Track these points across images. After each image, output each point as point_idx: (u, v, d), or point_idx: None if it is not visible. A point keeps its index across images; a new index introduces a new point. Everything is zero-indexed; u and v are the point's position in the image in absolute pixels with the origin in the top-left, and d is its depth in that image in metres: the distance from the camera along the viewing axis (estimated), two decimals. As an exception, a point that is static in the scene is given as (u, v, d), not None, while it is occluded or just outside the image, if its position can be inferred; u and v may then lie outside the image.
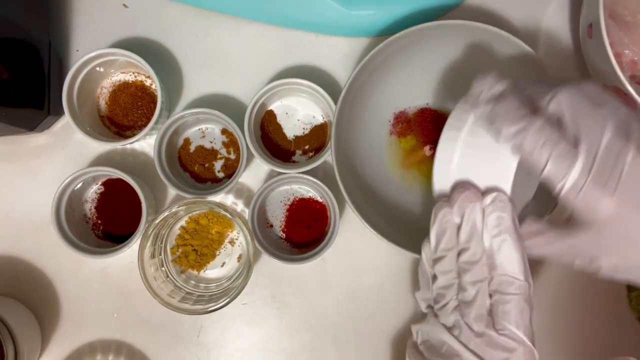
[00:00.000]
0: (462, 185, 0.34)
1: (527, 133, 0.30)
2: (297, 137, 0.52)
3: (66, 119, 0.49)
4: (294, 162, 0.52)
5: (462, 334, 0.32)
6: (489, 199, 0.33)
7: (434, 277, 0.34)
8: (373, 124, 0.51)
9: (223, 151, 0.52)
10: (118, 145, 0.51)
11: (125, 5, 0.54)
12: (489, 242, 0.32)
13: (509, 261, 0.32)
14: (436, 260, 0.34)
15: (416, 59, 0.50)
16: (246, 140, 0.48)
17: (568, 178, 0.29)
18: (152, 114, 0.49)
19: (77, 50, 0.54)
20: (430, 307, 0.35)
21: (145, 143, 0.53)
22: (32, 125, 0.49)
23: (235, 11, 0.53)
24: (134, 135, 0.49)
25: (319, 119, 0.53)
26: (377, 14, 0.52)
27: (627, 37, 0.47)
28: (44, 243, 0.52)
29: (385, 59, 0.47)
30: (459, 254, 0.33)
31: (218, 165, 0.52)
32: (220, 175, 0.52)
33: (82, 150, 0.53)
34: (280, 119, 0.53)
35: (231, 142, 0.52)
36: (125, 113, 0.52)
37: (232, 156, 0.52)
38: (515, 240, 0.32)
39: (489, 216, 0.33)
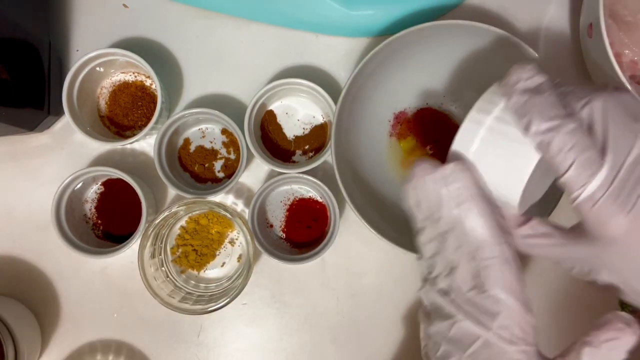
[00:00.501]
0: (420, 160, 0.34)
1: (557, 133, 0.29)
2: (297, 137, 0.52)
3: (66, 119, 0.49)
4: (294, 162, 0.52)
5: (456, 297, 0.32)
6: (447, 169, 0.32)
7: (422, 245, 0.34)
8: (373, 123, 0.51)
9: (223, 151, 0.52)
10: (118, 145, 0.51)
11: (125, 5, 0.54)
12: (456, 212, 0.32)
13: (477, 227, 0.31)
14: (418, 233, 0.34)
15: (416, 59, 0.50)
16: (246, 140, 0.48)
17: (587, 187, 0.29)
18: (152, 114, 0.49)
19: (77, 50, 0.54)
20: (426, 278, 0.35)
21: (145, 143, 0.53)
22: (32, 125, 0.49)
23: (235, 11, 0.53)
24: (134, 135, 0.49)
25: (319, 119, 0.53)
26: (377, 14, 0.52)
27: (627, 37, 0.47)
28: (44, 243, 0.52)
29: (385, 59, 0.47)
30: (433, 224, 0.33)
31: (218, 165, 0.52)
32: (220, 175, 0.52)
33: (82, 150, 0.53)
34: (280, 119, 0.53)
35: (231, 142, 0.52)
36: (125, 113, 0.52)
37: (232, 156, 0.52)
38: (479, 204, 0.32)
39: (450, 187, 0.32)
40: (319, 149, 0.52)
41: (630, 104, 0.31)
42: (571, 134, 0.29)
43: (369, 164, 0.51)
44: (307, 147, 0.52)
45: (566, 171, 0.29)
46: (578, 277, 0.33)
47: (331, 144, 0.46)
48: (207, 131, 0.52)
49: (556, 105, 0.30)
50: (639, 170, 0.29)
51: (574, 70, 0.53)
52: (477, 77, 0.51)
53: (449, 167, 0.32)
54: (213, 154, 0.52)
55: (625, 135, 0.29)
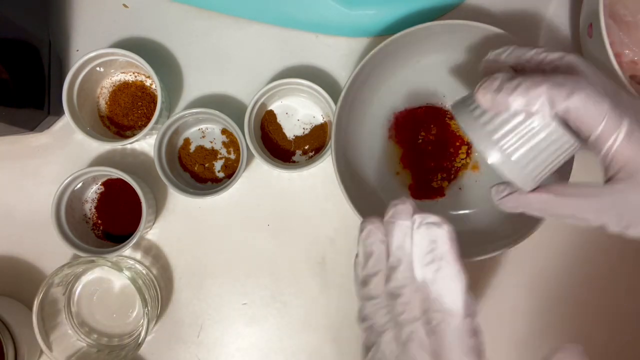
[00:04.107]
0: (398, 200, 0.31)
1: (579, 94, 0.30)
2: (297, 137, 0.52)
3: (66, 119, 0.49)
4: (294, 162, 0.52)
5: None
6: (417, 219, 0.30)
7: (361, 300, 0.32)
8: (373, 123, 0.51)
9: (223, 151, 0.52)
10: (118, 145, 0.51)
11: (125, 5, 0.54)
12: (421, 272, 0.29)
13: (447, 293, 0.29)
14: (361, 284, 0.31)
15: (416, 59, 0.50)
16: (246, 140, 0.48)
17: (622, 128, 0.30)
18: (152, 114, 0.49)
19: (77, 50, 0.54)
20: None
21: (145, 143, 0.53)
22: (32, 125, 0.49)
23: (235, 11, 0.53)
24: (134, 135, 0.49)
25: (319, 119, 0.53)
26: (377, 14, 0.52)
27: (627, 37, 0.47)
28: (44, 243, 0.52)
29: (385, 59, 0.47)
30: (387, 279, 0.30)
31: (218, 165, 0.52)
32: (220, 175, 0.52)
33: (82, 150, 0.53)
34: (280, 119, 0.53)
35: (231, 142, 0.52)
36: (125, 113, 0.52)
37: (232, 156, 0.52)
38: (453, 266, 0.29)
39: (420, 241, 0.30)
40: (319, 149, 0.52)
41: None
42: (590, 91, 0.29)
43: (369, 163, 0.51)
44: (307, 147, 0.52)
45: (599, 125, 0.30)
46: (614, 232, 0.33)
47: (331, 144, 0.46)
48: (207, 131, 0.52)
49: (542, 77, 0.31)
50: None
51: (574, 70, 0.53)
52: (477, 77, 0.51)
53: (419, 218, 0.30)
54: (213, 154, 0.52)
55: (610, 85, 0.31)
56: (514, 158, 0.33)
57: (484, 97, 0.32)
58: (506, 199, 0.35)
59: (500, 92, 0.31)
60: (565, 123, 0.32)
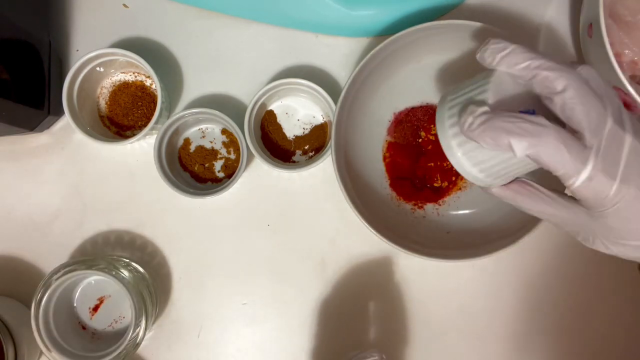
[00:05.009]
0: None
1: (542, 145, 0.30)
2: (297, 137, 0.52)
3: (66, 119, 0.49)
4: (294, 162, 0.52)
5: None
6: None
7: None
8: (373, 123, 0.51)
9: (223, 151, 0.52)
10: (118, 145, 0.51)
11: (125, 5, 0.54)
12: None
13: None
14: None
15: (416, 59, 0.50)
16: (246, 140, 0.48)
17: (581, 174, 0.31)
18: (152, 114, 0.49)
19: (77, 50, 0.54)
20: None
21: (145, 143, 0.53)
22: (32, 125, 0.49)
23: (235, 11, 0.53)
24: (134, 135, 0.49)
25: (319, 119, 0.53)
26: (377, 14, 0.52)
27: (627, 37, 0.47)
28: (44, 243, 0.52)
29: (385, 59, 0.47)
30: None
31: (218, 165, 0.52)
32: (221, 175, 0.52)
33: (82, 150, 0.53)
34: (280, 119, 0.53)
35: (231, 142, 0.52)
36: (125, 113, 0.52)
37: (232, 156, 0.52)
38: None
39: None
40: (319, 149, 0.52)
41: (593, 78, 0.33)
42: (555, 139, 0.30)
43: (369, 163, 0.51)
44: (307, 147, 0.52)
45: (560, 169, 0.31)
46: (584, 243, 0.35)
47: (331, 144, 0.46)
48: (207, 131, 0.52)
49: (517, 116, 0.31)
50: (615, 141, 0.31)
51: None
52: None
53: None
54: (213, 154, 0.52)
55: (598, 113, 0.31)
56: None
57: (462, 130, 0.33)
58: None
59: (471, 131, 0.32)
60: None
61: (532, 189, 0.36)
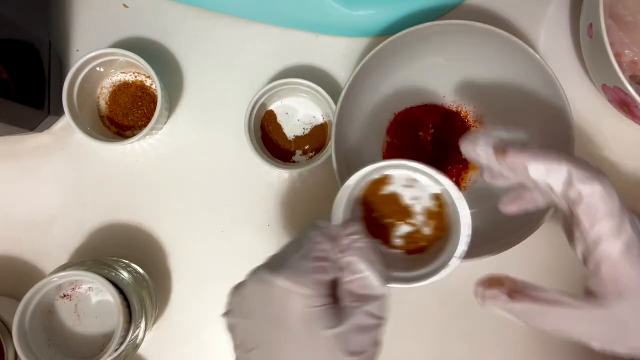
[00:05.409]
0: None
1: (596, 182, 0.30)
2: (297, 137, 0.52)
3: (66, 119, 0.49)
4: (294, 162, 0.52)
5: None
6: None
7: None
8: (373, 123, 0.51)
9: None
10: (118, 145, 0.51)
11: (125, 5, 0.54)
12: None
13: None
14: None
15: (416, 59, 0.50)
16: (246, 140, 0.48)
17: (621, 239, 0.29)
18: (152, 114, 0.49)
19: (77, 50, 0.54)
20: None
21: (146, 143, 0.53)
22: (32, 125, 0.49)
23: (235, 11, 0.53)
24: (134, 135, 0.49)
25: (319, 119, 0.53)
26: (377, 14, 0.52)
27: (627, 37, 0.47)
28: (44, 243, 0.52)
29: (385, 59, 0.47)
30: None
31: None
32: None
33: (82, 150, 0.53)
34: (280, 119, 0.53)
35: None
36: (125, 113, 0.52)
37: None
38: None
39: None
40: (319, 149, 0.52)
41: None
42: (605, 189, 0.29)
43: (369, 163, 0.51)
44: (307, 147, 0.52)
45: (603, 224, 0.29)
46: (602, 351, 0.31)
47: (331, 144, 0.46)
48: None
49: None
50: None
51: (574, 70, 0.53)
52: (476, 77, 0.51)
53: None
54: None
55: (620, 208, 0.30)
56: None
57: (503, 160, 0.32)
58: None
59: (519, 155, 0.31)
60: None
61: (540, 298, 0.32)
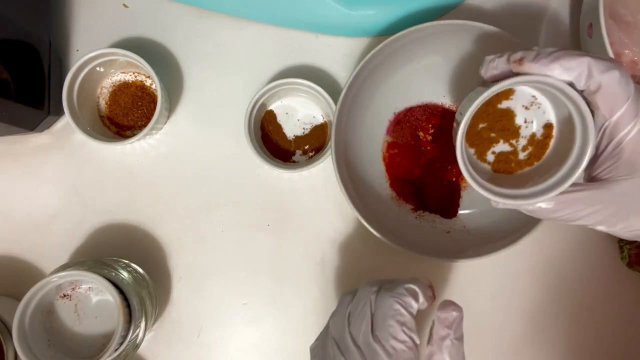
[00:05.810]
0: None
1: (613, 71, 0.31)
2: (297, 137, 0.52)
3: (66, 119, 0.49)
4: (294, 162, 0.52)
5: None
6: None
7: None
8: (373, 123, 0.51)
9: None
10: (118, 145, 0.51)
11: (125, 5, 0.54)
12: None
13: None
14: None
15: (416, 59, 0.50)
16: (246, 140, 0.48)
17: (639, 120, 0.31)
18: (152, 114, 0.49)
19: (77, 50, 0.54)
20: None
21: (145, 143, 0.53)
22: (32, 125, 0.49)
23: (235, 11, 0.53)
24: (134, 135, 0.49)
25: (319, 119, 0.53)
26: (377, 14, 0.52)
27: (627, 37, 0.47)
28: (44, 243, 0.52)
29: (385, 59, 0.47)
30: None
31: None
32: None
33: (82, 150, 0.53)
34: (280, 119, 0.53)
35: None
36: (125, 113, 0.52)
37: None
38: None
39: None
40: (319, 149, 0.52)
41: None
42: (622, 77, 0.31)
43: (369, 163, 0.51)
44: (307, 147, 0.52)
45: (622, 108, 0.31)
46: (606, 231, 0.34)
47: (331, 144, 0.46)
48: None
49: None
50: None
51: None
52: (476, 77, 0.51)
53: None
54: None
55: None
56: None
57: (522, 65, 0.33)
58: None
59: (538, 60, 0.32)
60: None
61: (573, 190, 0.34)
